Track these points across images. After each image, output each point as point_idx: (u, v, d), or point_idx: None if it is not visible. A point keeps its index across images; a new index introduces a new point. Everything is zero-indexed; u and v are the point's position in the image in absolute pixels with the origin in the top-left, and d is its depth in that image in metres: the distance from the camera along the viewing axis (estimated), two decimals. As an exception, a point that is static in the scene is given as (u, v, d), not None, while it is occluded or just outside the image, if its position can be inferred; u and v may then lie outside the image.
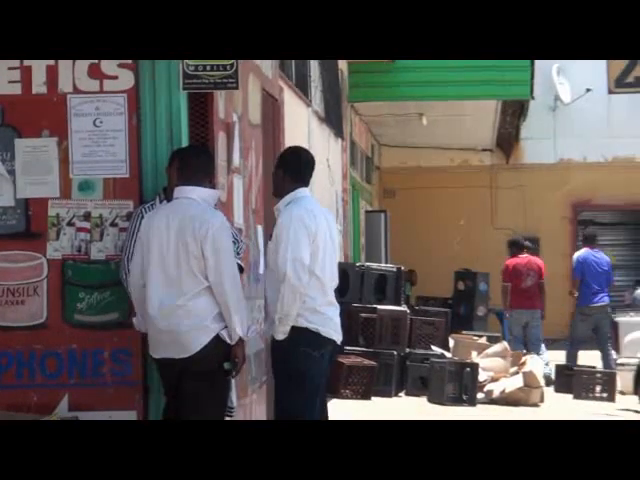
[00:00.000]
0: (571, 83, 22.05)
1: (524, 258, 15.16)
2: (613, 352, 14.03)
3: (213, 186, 6.27)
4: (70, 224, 6.45)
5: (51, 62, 6.44)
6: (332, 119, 14.91)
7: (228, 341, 5.95)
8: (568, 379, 13.50)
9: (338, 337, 6.41)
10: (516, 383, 12.39)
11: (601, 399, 13.01)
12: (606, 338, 14.52)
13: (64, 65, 6.45)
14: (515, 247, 15.35)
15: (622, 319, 13.29)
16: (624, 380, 12.42)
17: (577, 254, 15.27)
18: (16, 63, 6.45)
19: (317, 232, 6.27)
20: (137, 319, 6.16)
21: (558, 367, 14.10)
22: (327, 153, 14.32)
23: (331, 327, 6.34)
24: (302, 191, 6.43)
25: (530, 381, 12.42)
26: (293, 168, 6.48)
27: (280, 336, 6.25)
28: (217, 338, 5.95)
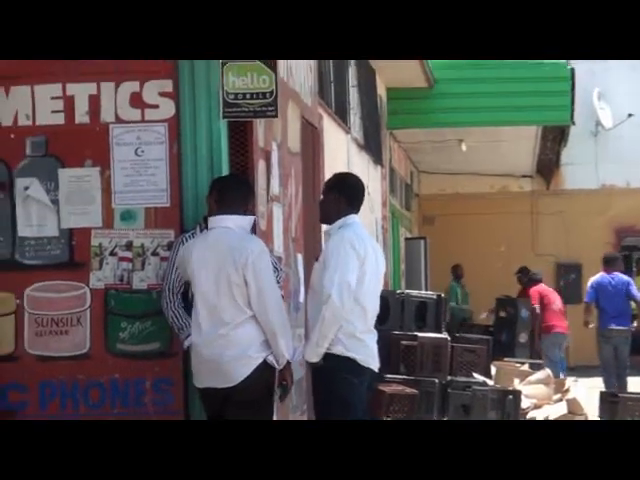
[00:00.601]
0: (612, 108, 21.98)
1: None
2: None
3: (250, 213, 6.30)
4: (112, 254, 6.49)
5: (93, 92, 6.51)
6: (371, 146, 14.94)
7: (276, 366, 5.97)
8: (613, 406, 13.41)
9: (376, 365, 6.42)
10: (560, 410, 12.32)
11: (646, 426, 12.93)
12: (624, 360, 14.56)
13: (106, 94, 6.51)
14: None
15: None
16: (670, 407, 12.33)
17: (592, 278, 15.29)
18: (59, 92, 6.52)
19: (365, 258, 6.29)
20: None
21: (602, 394, 14.00)
22: (367, 180, 14.32)
23: (369, 355, 6.35)
24: (353, 217, 6.46)
25: (574, 408, 12.35)
26: (351, 193, 6.51)
27: (314, 358, 6.25)
28: (260, 367, 5.98)
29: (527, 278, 17.69)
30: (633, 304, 15.95)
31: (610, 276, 15.02)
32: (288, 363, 6.03)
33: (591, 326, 15.01)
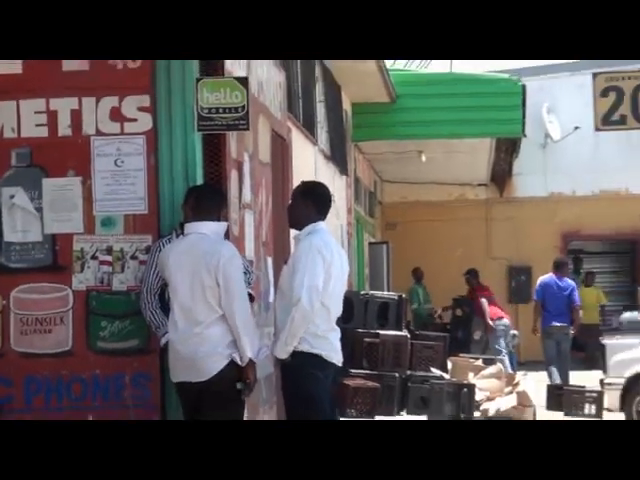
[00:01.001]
0: (560, 121, 22.07)
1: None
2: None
3: (224, 219, 6.30)
4: (94, 257, 6.48)
5: (75, 106, 6.49)
6: (337, 157, 14.95)
7: (239, 363, 5.97)
8: (559, 398, 13.48)
9: (339, 359, 6.44)
10: (510, 402, 12.35)
11: (590, 416, 12.96)
12: (565, 355, 14.71)
13: (87, 109, 6.50)
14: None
15: (609, 341, 13.25)
16: (611, 399, 12.40)
17: (541, 278, 15.43)
18: (43, 107, 6.50)
19: (331, 264, 6.31)
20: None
21: (549, 387, 14.08)
22: (333, 189, 14.33)
23: (332, 350, 6.37)
24: (321, 224, 6.47)
25: (523, 400, 12.38)
26: (320, 201, 6.52)
27: (283, 355, 6.27)
28: (231, 362, 5.99)
29: (476, 280, 17.82)
30: None
31: (557, 278, 15.14)
32: (251, 361, 6.02)
33: (538, 335, 15.22)
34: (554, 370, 14.67)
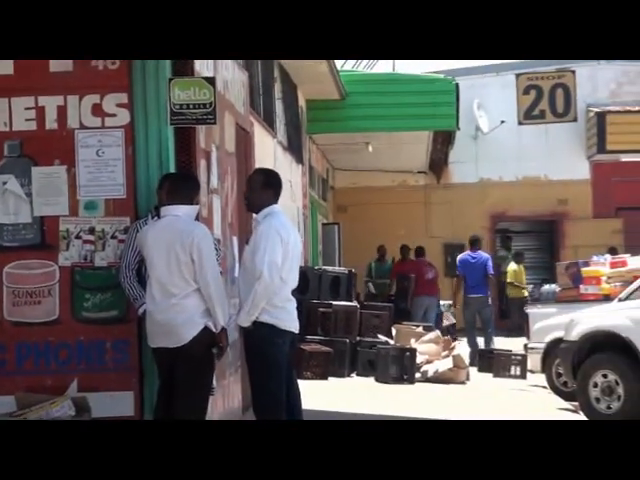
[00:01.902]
0: (489, 116, 22.18)
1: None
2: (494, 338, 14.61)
3: (196, 203, 6.29)
4: (78, 237, 6.44)
5: (61, 103, 6.44)
6: (294, 148, 14.93)
7: (214, 330, 5.97)
8: (489, 361, 13.58)
9: (295, 327, 6.44)
10: (447, 364, 12.44)
11: (515, 377, 13.08)
12: (487, 322, 14.80)
13: (72, 105, 6.45)
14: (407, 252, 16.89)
15: (531, 310, 13.36)
16: (533, 361, 12.50)
17: (459, 256, 15.56)
18: (32, 104, 6.45)
19: (288, 242, 6.32)
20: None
21: (481, 351, 14.17)
22: (290, 176, 14.34)
23: (289, 320, 6.37)
24: (277, 207, 6.47)
25: (458, 363, 12.48)
26: (278, 188, 6.51)
27: (245, 324, 6.25)
28: (204, 330, 5.98)
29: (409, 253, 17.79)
30: None
31: (473, 254, 15.26)
32: (223, 328, 6.02)
33: (458, 306, 15.32)
34: (473, 337, 14.76)
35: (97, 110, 6.45)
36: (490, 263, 15.21)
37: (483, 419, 6.79)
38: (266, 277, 6.15)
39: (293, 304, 6.46)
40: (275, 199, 6.46)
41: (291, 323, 6.39)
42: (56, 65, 6.42)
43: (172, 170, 6.52)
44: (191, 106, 6.47)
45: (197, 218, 6.48)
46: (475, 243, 15.46)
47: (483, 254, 15.40)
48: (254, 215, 6.54)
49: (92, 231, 6.43)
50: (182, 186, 6.14)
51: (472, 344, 14.54)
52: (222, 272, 6.75)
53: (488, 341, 14.53)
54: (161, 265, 5.98)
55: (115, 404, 6.32)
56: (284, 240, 6.28)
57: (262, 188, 6.44)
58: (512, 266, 19.05)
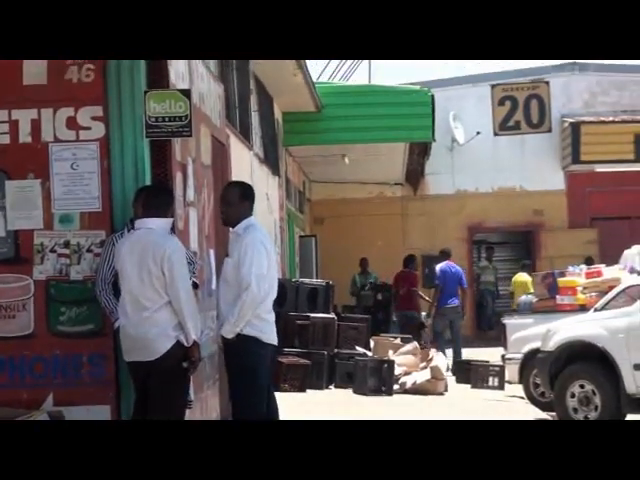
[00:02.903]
0: (464, 127, 22.26)
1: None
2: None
3: (170, 216, 6.26)
4: (52, 251, 6.40)
5: (35, 116, 6.40)
6: (270, 160, 14.92)
7: (185, 344, 5.95)
8: (467, 372, 13.59)
9: (275, 340, 6.45)
10: (425, 376, 12.44)
11: (493, 388, 13.10)
12: (458, 331, 14.98)
13: (46, 118, 6.41)
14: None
15: (509, 321, 13.37)
16: (511, 372, 12.52)
17: (438, 266, 15.63)
18: (5, 117, 6.41)
19: (270, 254, 6.36)
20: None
21: (458, 362, 14.19)
22: (266, 188, 14.33)
23: (271, 332, 6.37)
24: (253, 218, 6.49)
25: (436, 374, 12.48)
26: (253, 199, 6.55)
27: (230, 335, 6.24)
28: (177, 343, 5.96)
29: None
30: None
31: (450, 265, 15.36)
32: (195, 343, 5.99)
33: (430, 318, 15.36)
34: (443, 345, 14.79)
35: (72, 123, 6.42)
36: (464, 278, 15.36)
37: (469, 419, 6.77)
38: (254, 289, 6.17)
39: (273, 316, 6.46)
40: (251, 211, 6.48)
41: (273, 335, 6.40)
42: (30, 78, 6.38)
43: (148, 183, 6.49)
44: (167, 119, 6.46)
45: (173, 231, 6.46)
46: (447, 254, 15.61)
47: (457, 267, 15.57)
48: (231, 228, 6.53)
49: (67, 244, 6.39)
50: (156, 199, 6.12)
51: (442, 353, 14.57)
52: (199, 285, 6.73)
53: (458, 351, 14.55)
54: (134, 277, 5.97)
55: (92, 418, 6.26)
56: (267, 251, 6.32)
57: (240, 201, 6.44)
58: (523, 277, 18.68)
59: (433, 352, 13.34)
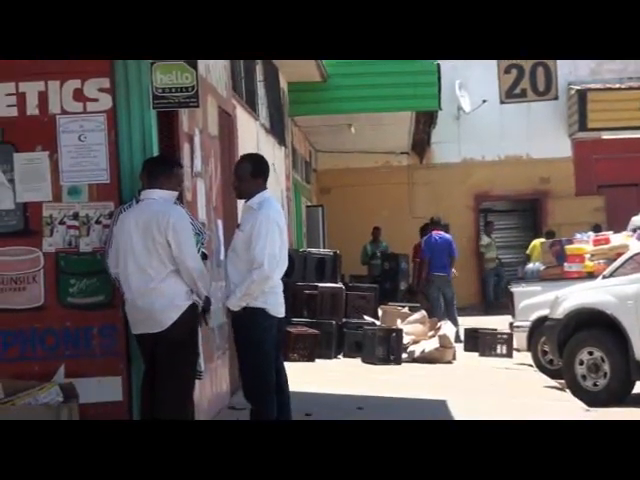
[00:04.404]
0: (470, 95, 22.16)
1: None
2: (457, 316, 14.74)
3: (177, 187, 6.25)
4: (61, 223, 6.39)
5: (42, 89, 6.37)
6: (276, 130, 14.88)
7: (200, 303, 6.03)
8: (475, 340, 13.60)
9: (282, 312, 6.43)
10: (433, 344, 12.46)
11: (502, 355, 13.13)
12: (451, 300, 14.95)
13: (53, 91, 6.39)
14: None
15: (516, 289, 13.36)
16: (519, 340, 12.55)
17: (423, 238, 15.59)
18: (13, 90, 6.38)
19: (283, 230, 6.34)
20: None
21: (467, 330, 14.18)
22: (273, 159, 14.29)
23: (276, 304, 6.35)
24: (268, 192, 6.45)
25: (444, 342, 12.50)
26: (266, 173, 6.48)
27: (235, 308, 6.25)
28: (185, 313, 5.98)
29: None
30: None
31: (437, 235, 15.31)
32: (207, 298, 6.09)
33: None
34: (439, 311, 14.80)
35: (78, 95, 6.39)
36: (454, 246, 15.31)
37: (479, 419, 6.74)
38: (266, 268, 6.17)
39: (280, 287, 6.46)
40: (265, 185, 6.44)
41: (279, 307, 6.39)
42: (36, 50, 6.33)
43: (155, 154, 6.48)
44: (173, 90, 6.43)
45: (181, 202, 6.45)
46: (437, 224, 15.57)
47: (446, 236, 15.48)
48: (245, 201, 6.50)
49: (76, 216, 6.38)
50: (159, 169, 6.12)
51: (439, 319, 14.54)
52: (207, 256, 6.73)
53: (454, 320, 14.52)
54: (139, 247, 5.98)
55: (103, 389, 6.29)
56: (280, 229, 6.31)
57: (252, 176, 6.39)
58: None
59: (442, 321, 13.36)
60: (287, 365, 6.76)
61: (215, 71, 8.54)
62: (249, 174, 6.37)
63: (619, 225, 15.12)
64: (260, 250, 6.17)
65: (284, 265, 6.41)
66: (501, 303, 19.58)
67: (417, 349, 12.41)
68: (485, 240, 21.29)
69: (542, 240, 17.66)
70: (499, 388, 10.32)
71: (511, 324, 13.12)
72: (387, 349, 12.01)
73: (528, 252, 18.95)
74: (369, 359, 12.00)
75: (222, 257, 7.65)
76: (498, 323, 14.69)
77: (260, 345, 6.24)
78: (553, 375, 11.26)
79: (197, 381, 6.40)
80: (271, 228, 6.22)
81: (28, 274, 6.38)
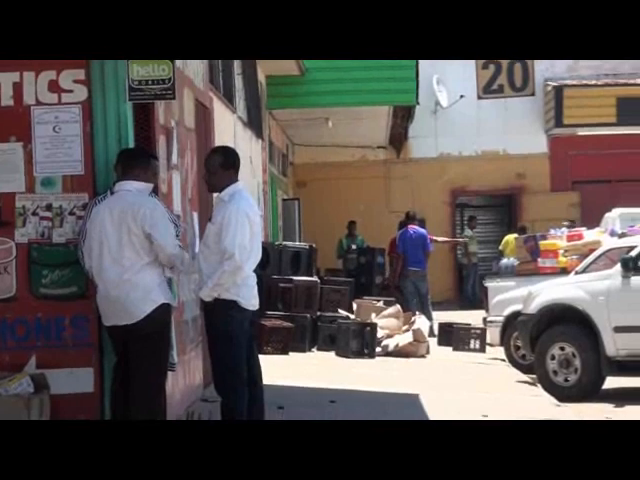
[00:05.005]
0: (448, 90, 22.21)
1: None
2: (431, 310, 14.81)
3: (152, 179, 6.24)
4: (34, 214, 6.36)
5: (17, 79, 6.35)
6: (253, 123, 14.86)
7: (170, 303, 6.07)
8: (449, 334, 13.65)
9: (254, 304, 6.41)
10: (407, 339, 12.49)
11: (475, 350, 13.18)
12: (424, 295, 14.97)
13: (27, 81, 6.36)
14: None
15: (490, 284, 13.41)
16: (492, 335, 12.61)
17: (397, 233, 15.62)
18: (-14, 80, 6.36)
19: (254, 222, 6.32)
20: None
21: (440, 325, 14.23)
22: (250, 152, 14.28)
23: (249, 296, 6.34)
24: (240, 184, 6.43)
25: (418, 337, 12.53)
26: (237, 165, 6.45)
27: (207, 298, 6.24)
28: (159, 308, 5.98)
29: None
30: None
31: (412, 230, 15.33)
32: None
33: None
34: (414, 305, 14.83)
35: (54, 86, 6.37)
36: (429, 241, 15.34)
37: (468, 419, 6.75)
38: (237, 259, 6.16)
39: (254, 279, 6.45)
40: (236, 176, 6.42)
41: (251, 300, 6.38)
42: (11, 41, 6.30)
43: (131, 146, 6.46)
44: (150, 82, 6.41)
45: (156, 194, 6.43)
46: (412, 219, 15.60)
47: (421, 230, 15.51)
48: (217, 194, 6.50)
49: (49, 208, 6.36)
50: (136, 162, 6.12)
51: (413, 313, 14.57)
52: (183, 247, 6.72)
53: (428, 315, 14.56)
54: (114, 238, 5.97)
55: (75, 381, 6.28)
56: (251, 221, 6.29)
57: (222, 168, 6.38)
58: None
59: (416, 315, 13.39)
60: (261, 358, 6.76)
61: (192, 63, 8.51)
62: (219, 166, 6.36)
63: (593, 221, 15.22)
64: (230, 241, 6.16)
65: (257, 257, 6.41)
66: (477, 298, 19.71)
67: (391, 343, 12.44)
68: (468, 233, 21.39)
69: (515, 235, 17.76)
70: (471, 382, 10.37)
71: (485, 319, 13.17)
72: (361, 343, 12.04)
73: (501, 247, 19.05)
74: (343, 353, 12.02)
75: (197, 250, 7.64)
76: (473, 318, 14.75)
77: (232, 338, 6.23)
78: (525, 370, 11.32)
79: (170, 373, 6.40)
80: (241, 219, 6.21)
81: (0, 265, 6.35)
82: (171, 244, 6.04)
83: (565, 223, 13.93)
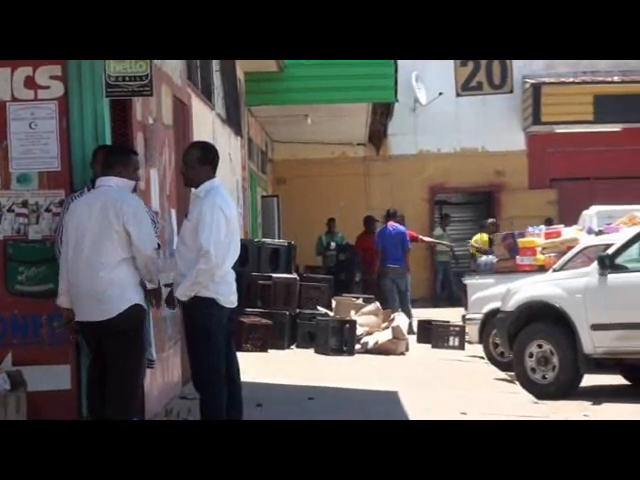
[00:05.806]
0: (427, 88, 22.21)
1: None
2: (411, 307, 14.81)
3: (133, 176, 6.20)
4: (10, 210, 6.33)
5: (-8, 75, 6.32)
6: (232, 120, 14.82)
7: (149, 286, 6.07)
8: (427, 332, 13.64)
9: (232, 301, 6.36)
10: (386, 336, 12.49)
11: (454, 347, 13.18)
12: (403, 293, 14.97)
13: (3, 77, 6.31)
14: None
15: (469, 281, 13.43)
16: (471, 332, 12.61)
17: (379, 228, 15.60)
18: (-39, 76, 6.31)
19: (230, 218, 6.27)
20: (60, 298, 6.08)
21: (420, 322, 14.22)
22: (229, 148, 14.24)
23: (227, 293, 6.28)
24: (217, 181, 6.37)
25: (397, 334, 12.53)
26: (215, 161, 6.38)
27: (184, 297, 6.18)
28: (134, 306, 5.94)
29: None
30: None
31: (391, 227, 15.33)
32: (159, 287, 6.14)
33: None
34: (394, 303, 14.82)
35: (30, 82, 6.34)
36: (407, 238, 15.34)
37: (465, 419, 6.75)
38: (212, 256, 6.09)
39: (232, 275, 6.41)
40: (213, 173, 6.37)
41: (230, 297, 6.34)
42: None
43: (108, 143, 6.42)
44: (127, 78, 6.38)
45: (135, 191, 6.39)
46: (392, 216, 15.61)
47: (400, 227, 15.51)
48: (193, 189, 6.45)
49: (25, 204, 6.33)
50: (117, 158, 6.08)
51: (394, 310, 14.56)
52: (160, 245, 6.68)
53: (408, 312, 14.54)
54: (93, 233, 5.92)
55: (51, 378, 6.25)
56: (227, 217, 6.23)
57: (200, 164, 6.32)
58: (484, 237, 18.43)
59: (395, 313, 13.39)
60: (240, 355, 6.73)
61: (170, 60, 8.47)
62: (197, 160, 6.30)
63: (571, 219, 15.25)
64: (206, 238, 6.10)
65: (235, 254, 6.37)
66: (448, 296, 19.74)
67: (370, 340, 12.43)
68: (438, 232, 21.35)
69: (483, 236, 17.84)
70: (450, 380, 10.37)
71: (464, 316, 13.17)
72: (340, 340, 12.02)
73: (471, 250, 19.07)
74: (322, 350, 12.00)
75: (175, 247, 7.60)
76: (452, 315, 14.76)
77: (210, 335, 6.19)
78: (504, 367, 11.33)
79: (148, 370, 6.37)
80: (217, 215, 6.14)
81: (-24, 262, 6.30)
82: (150, 247, 5.99)
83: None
